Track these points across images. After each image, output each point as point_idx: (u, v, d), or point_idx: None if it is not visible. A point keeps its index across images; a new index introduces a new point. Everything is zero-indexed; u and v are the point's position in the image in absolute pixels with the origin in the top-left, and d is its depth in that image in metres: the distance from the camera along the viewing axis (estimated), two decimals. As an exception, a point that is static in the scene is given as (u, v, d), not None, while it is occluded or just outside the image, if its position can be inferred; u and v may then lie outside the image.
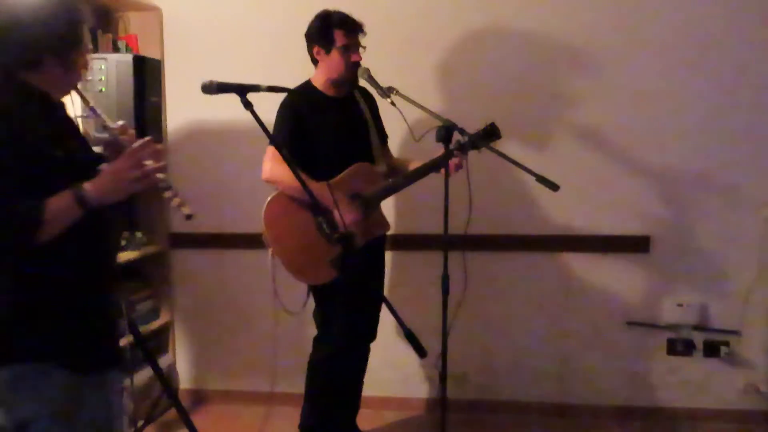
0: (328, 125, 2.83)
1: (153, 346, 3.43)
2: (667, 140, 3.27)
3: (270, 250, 2.76)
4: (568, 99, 3.32)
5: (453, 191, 2.54)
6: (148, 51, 3.39)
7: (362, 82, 2.84)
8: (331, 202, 2.37)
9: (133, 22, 3.50)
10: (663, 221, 3.31)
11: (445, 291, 2.59)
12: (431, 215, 2.85)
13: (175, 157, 3.53)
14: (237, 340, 3.66)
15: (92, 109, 1.86)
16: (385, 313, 2.70)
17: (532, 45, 3.32)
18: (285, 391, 3.29)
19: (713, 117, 3.24)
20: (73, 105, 2.04)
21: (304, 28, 2.86)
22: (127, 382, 2.80)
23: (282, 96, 2.80)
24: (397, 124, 2.91)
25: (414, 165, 2.86)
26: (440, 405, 2.66)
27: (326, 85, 2.88)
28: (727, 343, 3.31)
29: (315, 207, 2.05)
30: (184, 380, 3.73)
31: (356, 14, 2.82)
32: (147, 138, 1.76)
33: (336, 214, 2.12)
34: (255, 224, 2.79)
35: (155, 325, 3.55)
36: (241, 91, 1.97)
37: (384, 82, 2.76)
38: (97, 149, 1.91)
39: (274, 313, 2.83)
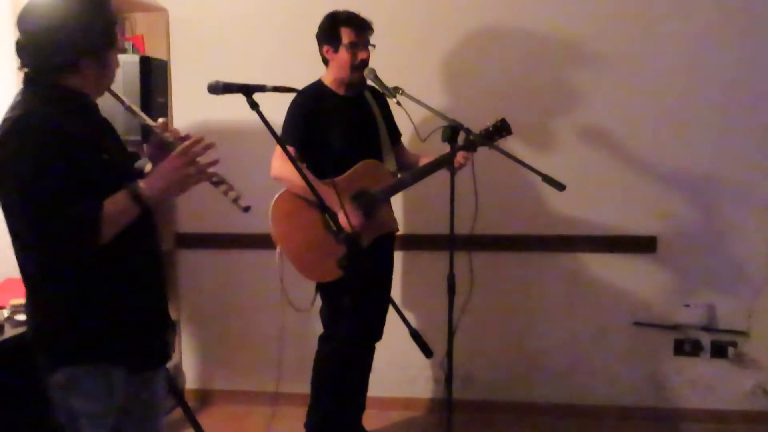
0: (337, 124, 2.84)
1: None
2: (673, 140, 3.26)
3: (278, 249, 2.76)
4: (574, 99, 3.32)
5: (459, 191, 2.54)
6: (155, 52, 3.39)
7: (369, 83, 2.84)
8: (337, 204, 2.38)
9: (139, 23, 3.50)
10: (670, 221, 3.30)
11: (451, 291, 2.59)
12: (438, 215, 2.85)
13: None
14: (243, 340, 3.66)
15: (129, 108, 1.85)
16: (390, 313, 2.70)
17: (538, 45, 3.31)
18: (291, 391, 3.29)
19: (721, 116, 3.22)
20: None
21: (310, 29, 2.87)
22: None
23: (289, 96, 2.80)
24: (403, 124, 2.92)
25: (424, 161, 2.88)
26: (446, 405, 2.66)
27: (336, 83, 2.89)
28: (734, 344, 3.29)
29: (322, 204, 2.06)
30: (190, 380, 3.73)
31: (363, 14, 2.83)
32: (197, 135, 1.77)
33: (341, 217, 2.13)
34: (261, 224, 2.79)
35: (162, 325, 3.55)
36: (247, 91, 1.97)
37: (390, 82, 2.76)
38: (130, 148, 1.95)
39: (282, 312, 2.83)
